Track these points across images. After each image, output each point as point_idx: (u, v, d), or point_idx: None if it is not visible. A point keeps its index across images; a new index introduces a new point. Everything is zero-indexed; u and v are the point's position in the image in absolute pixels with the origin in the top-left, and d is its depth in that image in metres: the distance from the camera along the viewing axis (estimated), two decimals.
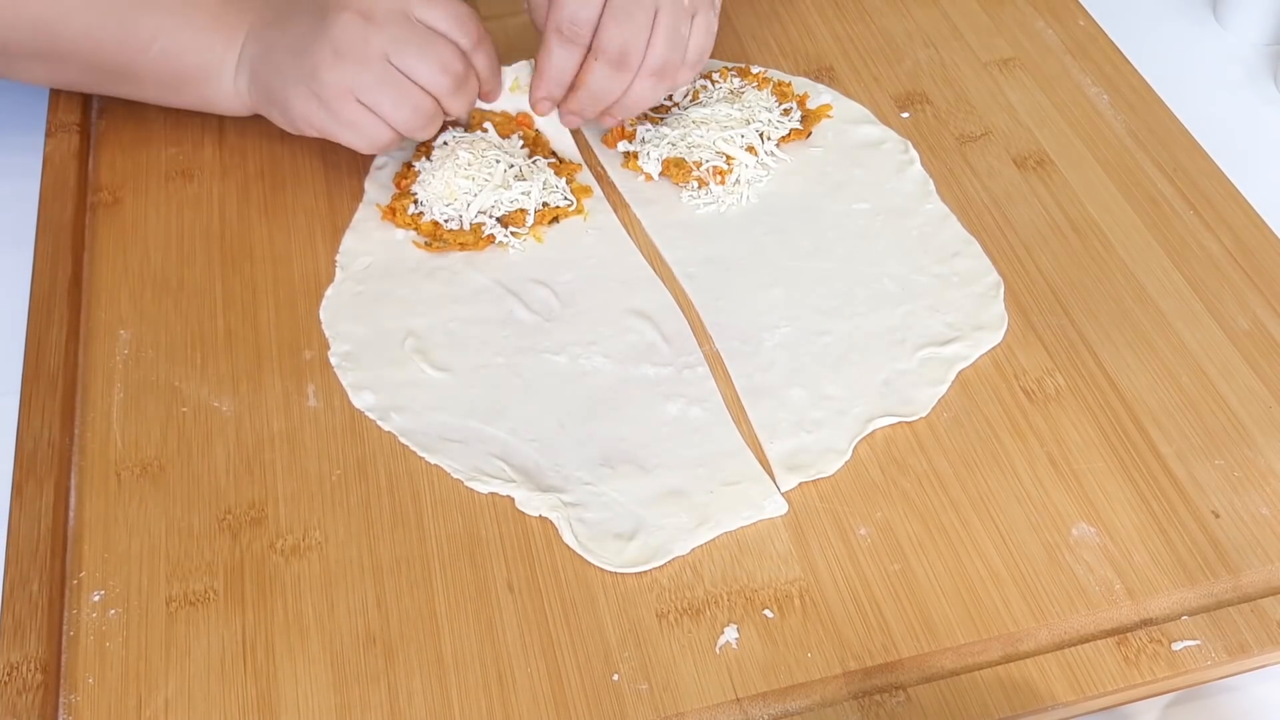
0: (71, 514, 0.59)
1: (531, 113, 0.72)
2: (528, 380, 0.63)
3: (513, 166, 0.69)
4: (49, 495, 0.58)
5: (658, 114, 0.75)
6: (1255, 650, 0.53)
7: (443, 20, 0.66)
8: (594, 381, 0.63)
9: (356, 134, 0.66)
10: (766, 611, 0.55)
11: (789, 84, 0.77)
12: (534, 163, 0.71)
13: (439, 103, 0.66)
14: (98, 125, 0.77)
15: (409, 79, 0.65)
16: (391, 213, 0.70)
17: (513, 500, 0.58)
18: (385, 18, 0.64)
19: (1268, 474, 0.59)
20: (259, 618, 0.55)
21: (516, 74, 0.72)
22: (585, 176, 0.73)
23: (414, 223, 0.70)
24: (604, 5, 0.66)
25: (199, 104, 0.72)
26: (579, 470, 0.59)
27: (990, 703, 0.51)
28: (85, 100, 0.78)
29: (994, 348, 0.64)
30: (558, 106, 0.71)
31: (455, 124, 0.71)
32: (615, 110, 0.69)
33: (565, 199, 0.70)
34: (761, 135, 0.73)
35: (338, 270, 0.69)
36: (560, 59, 0.68)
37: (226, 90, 0.70)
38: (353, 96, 0.64)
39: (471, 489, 0.59)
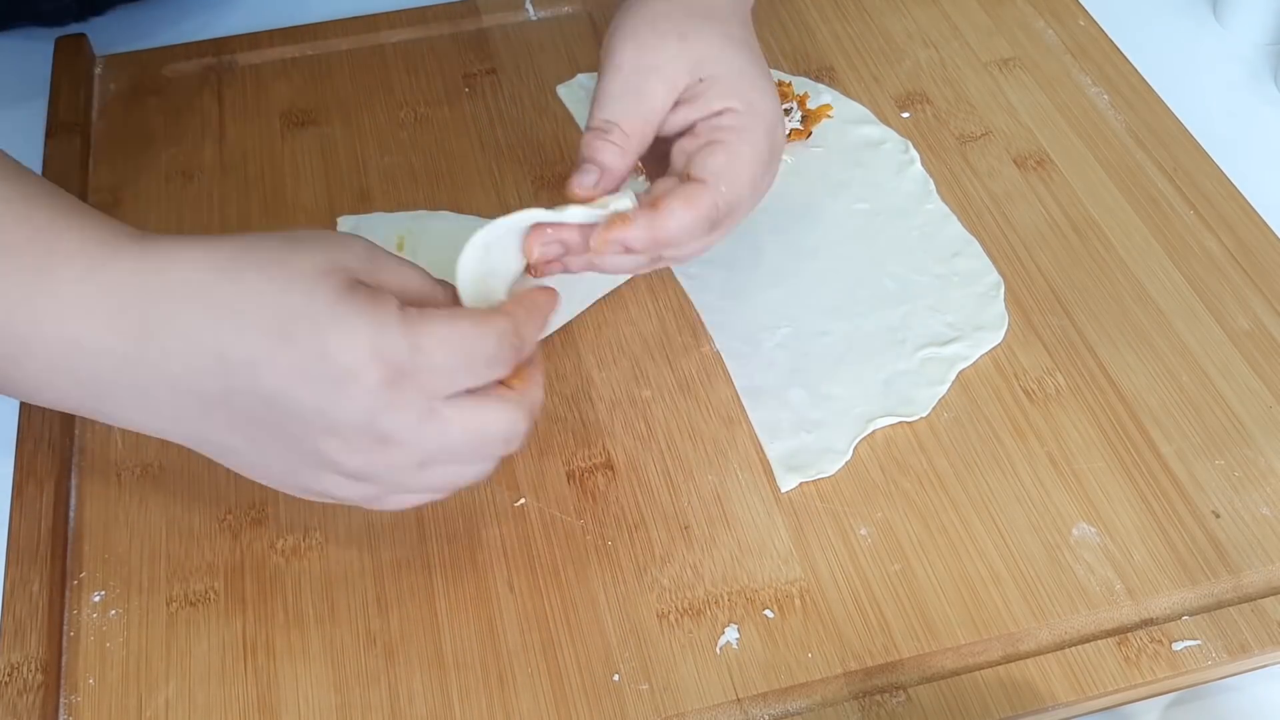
0: (72, 514, 0.59)
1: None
2: None
3: None
4: (49, 495, 0.58)
5: None
6: (1255, 650, 0.53)
7: (474, 379, 0.47)
8: None
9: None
10: (767, 612, 0.55)
11: (789, 84, 0.77)
12: None
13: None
14: (98, 125, 0.77)
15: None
16: None
17: (513, 500, 0.59)
18: (410, 434, 0.46)
19: (1268, 474, 0.59)
20: (259, 618, 0.55)
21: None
22: None
23: None
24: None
25: None
26: None
27: (990, 703, 0.51)
28: (85, 100, 0.78)
29: (994, 348, 0.64)
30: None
31: None
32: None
33: None
34: None
35: None
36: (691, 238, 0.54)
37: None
38: (389, 494, 0.49)
39: (472, 489, 0.59)
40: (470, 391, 0.47)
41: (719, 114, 0.55)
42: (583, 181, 0.54)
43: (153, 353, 0.46)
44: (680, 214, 0.53)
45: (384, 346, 0.45)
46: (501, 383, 0.49)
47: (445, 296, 0.50)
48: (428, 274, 0.50)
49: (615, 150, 0.55)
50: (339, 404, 0.45)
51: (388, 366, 0.45)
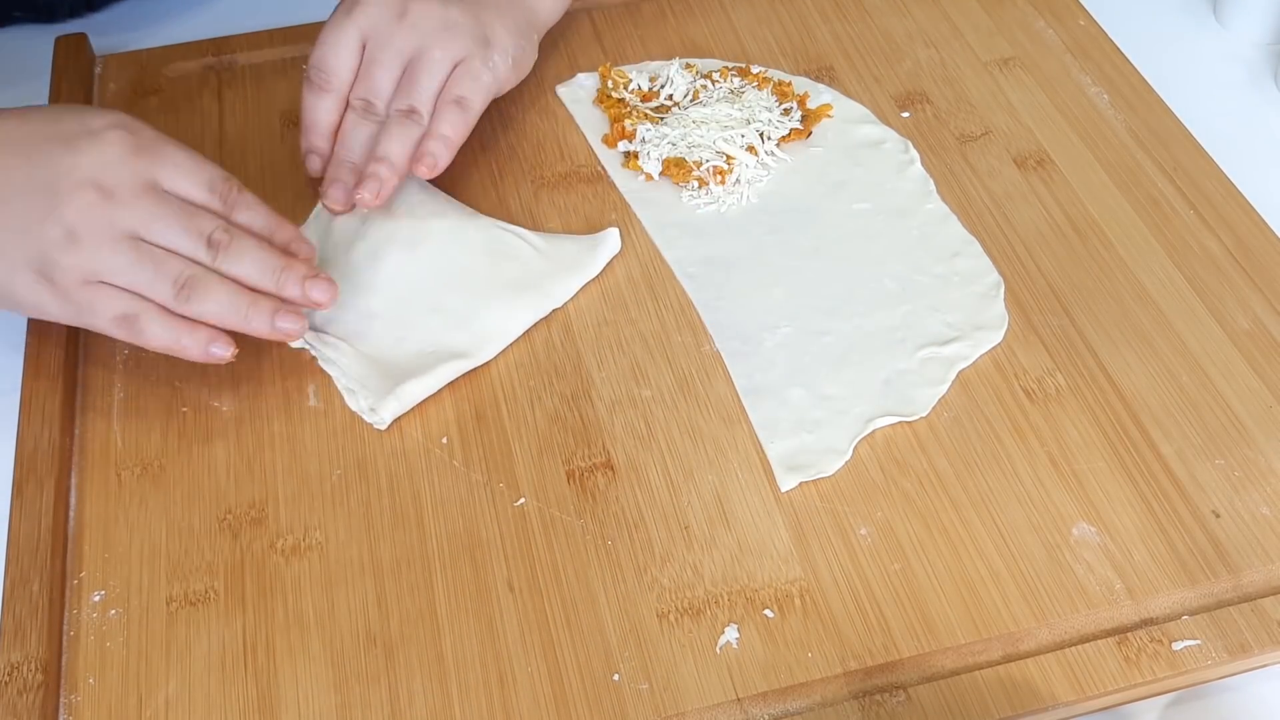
0: (71, 514, 0.59)
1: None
2: None
3: None
4: (49, 495, 0.58)
5: (658, 114, 0.75)
6: (1255, 650, 0.53)
7: (196, 188, 0.59)
8: None
9: (97, 317, 0.58)
10: (767, 611, 0.55)
11: (789, 84, 0.77)
12: None
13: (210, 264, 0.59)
14: None
15: (166, 251, 0.58)
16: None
17: (513, 500, 0.59)
18: (130, 193, 0.57)
19: (1268, 474, 0.59)
20: (259, 618, 0.55)
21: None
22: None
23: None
24: (359, 58, 0.68)
25: None
26: None
27: (990, 702, 0.51)
28: (85, 100, 0.78)
29: (994, 347, 0.64)
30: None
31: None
32: (378, 158, 0.67)
33: None
34: (762, 135, 0.73)
35: None
36: (312, 106, 0.69)
37: None
38: (95, 280, 0.57)
39: (471, 486, 0.59)
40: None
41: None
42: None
43: None
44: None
45: (132, 128, 0.59)
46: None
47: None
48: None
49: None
50: (81, 154, 0.57)
51: (132, 140, 0.58)
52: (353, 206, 0.68)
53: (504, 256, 0.67)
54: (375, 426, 0.61)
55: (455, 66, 0.68)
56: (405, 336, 0.64)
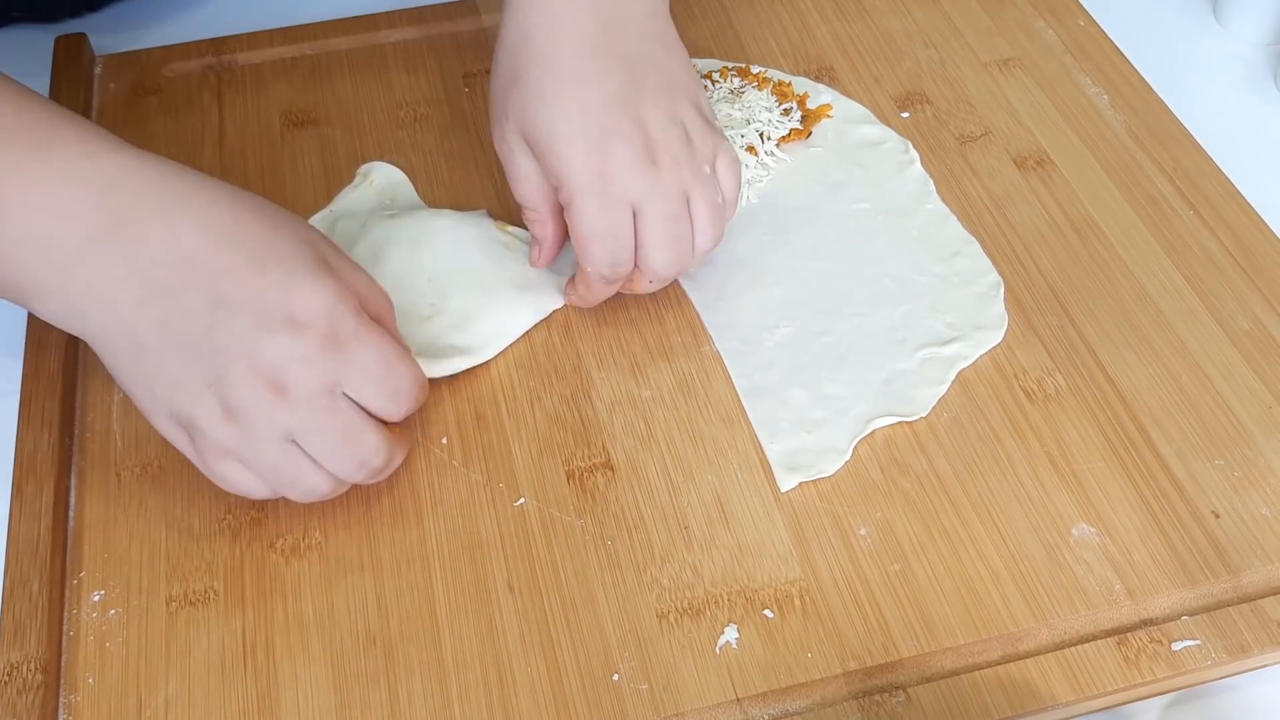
0: (71, 514, 0.59)
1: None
2: None
3: None
4: (49, 495, 0.58)
5: None
6: (1255, 650, 0.53)
7: (380, 399, 0.53)
8: None
9: (224, 483, 0.53)
10: (767, 611, 0.55)
11: (789, 84, 0.77)
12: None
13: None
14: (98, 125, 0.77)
15: (311, 461, 0.53)
16: None
17: (513, 500, 0.59)
18: (305, 395, 0.51)
19: (1268, 474, 0.59)
20: (259, 618, 0.55)
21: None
22: None
23: None
24: (635, 230, 0.58)
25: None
26: None
27: (990, 703, 0.51)
28: (85, 100, 0.78)
29: (994, 348, 0.64)
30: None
31: None
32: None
33: None
34: (762, 135, 0.73)
35: None
36: (603, 293, 0.63)
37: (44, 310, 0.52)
38: (234, 458, 0.52)
39: (471, 486, 0.59)
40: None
41: (556, 189, 0.60)
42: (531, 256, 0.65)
43: (128, 234, 0.50)
44: (580, 289, 0.63)
45: (336, 317, 0.51)
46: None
47: (387, 302, 0.56)
48: (374, 280, 0.56)
49: (537, 224, 0.63)
50: (270, 336, 0.50)
51: (328, 333, 0.51)
52: None
53: (504, 257, 0.67)
54: None
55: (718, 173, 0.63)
56: (405, 335, 0.64)
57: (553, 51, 0.57)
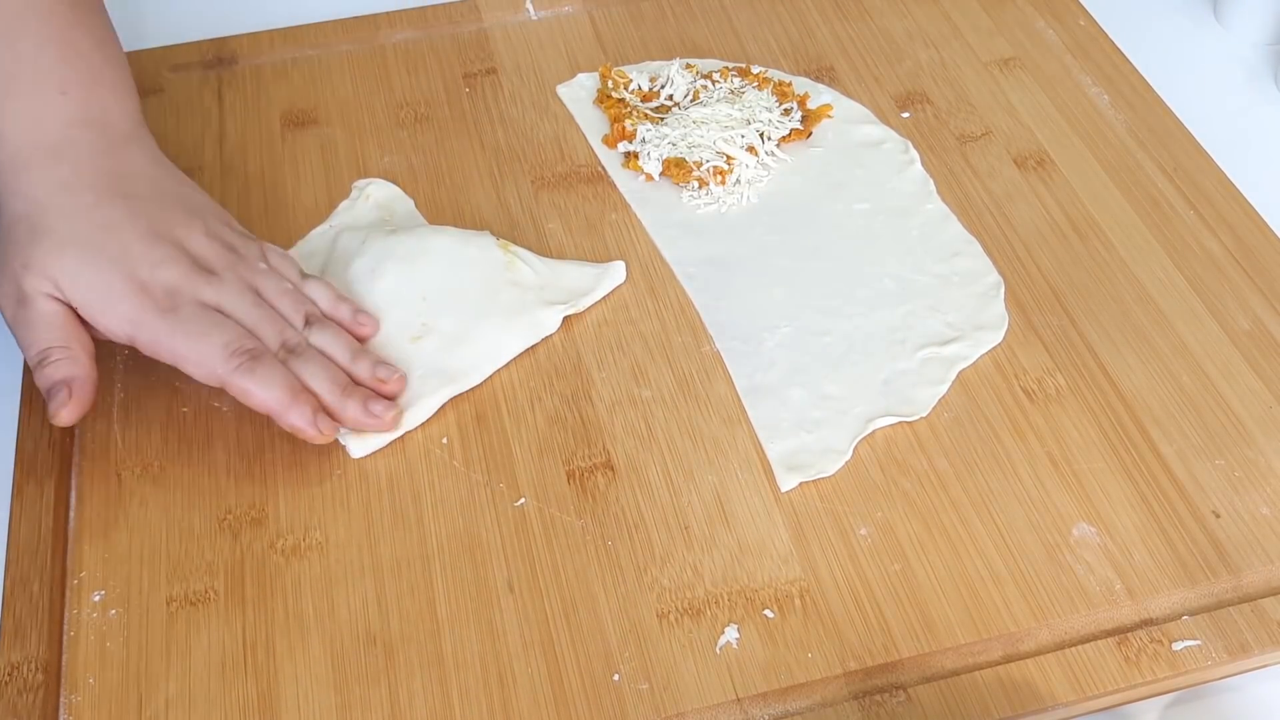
0: (71, 514, 0.59)
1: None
2: None
3: None
4: (49, 495, 0.58)
5: (658, 114, 0.75)
6: (1255, 650, 0.53)
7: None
8: None
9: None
10: (767, 611, 0.55)
11: (789, 84, 0.77)
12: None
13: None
14: None
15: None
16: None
17: (513, 500, 0.59)
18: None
19: (1268, 474, 0.59)
20: (259, 618, 0.55)
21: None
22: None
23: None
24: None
25: None
26: None
27: (990, 703, 0.51)
28: None
29: (994, 348, 0.64)
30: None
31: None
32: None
33: None
34: (762, 135, 0.73)
35: None
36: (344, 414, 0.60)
37: None
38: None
39: (471, 486, 0.59)
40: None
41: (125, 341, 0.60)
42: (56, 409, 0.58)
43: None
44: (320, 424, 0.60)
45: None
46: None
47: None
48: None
49: (66, 363, 0.58)
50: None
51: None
52: None
53: (501, 280, 0.66)
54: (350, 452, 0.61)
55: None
56: (394, 356, 0.63)
57: (74, 209, 0.58)
